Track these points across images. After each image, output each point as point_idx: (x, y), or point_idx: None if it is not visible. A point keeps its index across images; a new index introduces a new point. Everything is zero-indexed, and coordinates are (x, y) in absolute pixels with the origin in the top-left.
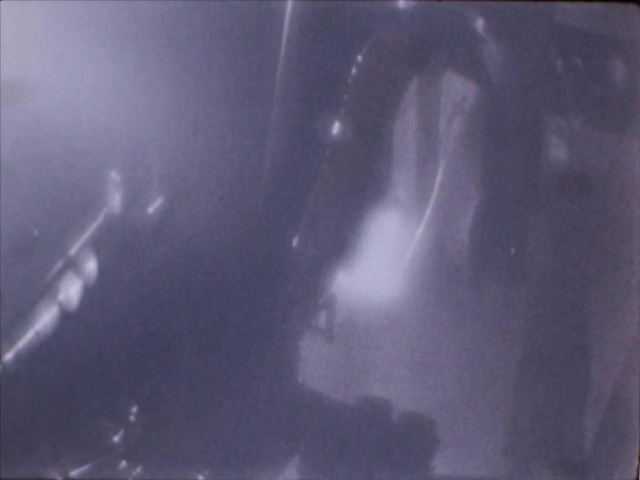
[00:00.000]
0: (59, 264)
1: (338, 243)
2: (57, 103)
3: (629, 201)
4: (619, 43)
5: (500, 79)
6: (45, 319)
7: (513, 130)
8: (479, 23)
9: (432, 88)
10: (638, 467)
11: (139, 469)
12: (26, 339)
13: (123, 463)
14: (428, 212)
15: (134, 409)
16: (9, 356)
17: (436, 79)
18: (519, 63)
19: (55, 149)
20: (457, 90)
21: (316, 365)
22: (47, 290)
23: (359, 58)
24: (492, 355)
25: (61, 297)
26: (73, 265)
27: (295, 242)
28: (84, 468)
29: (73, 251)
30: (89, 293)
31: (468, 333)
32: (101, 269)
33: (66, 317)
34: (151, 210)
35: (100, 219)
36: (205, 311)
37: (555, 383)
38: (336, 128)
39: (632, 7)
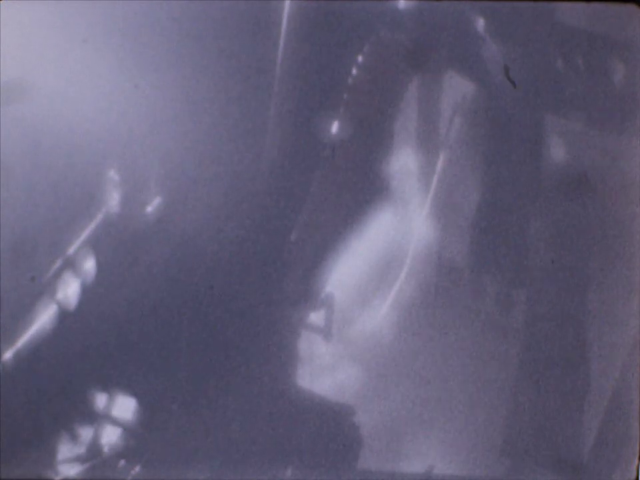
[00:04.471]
0: (58, 263)
1: (336, 242)
2: (57, 103)
3: (629, 200)
4: (619, 43)
5: (500, 79)
6: (44, 318)
7: (513, 130)
8: (479, 23)
9: (432, 88)
10: (638, 466)
11: (137, 469)
12: (25, 338)
13: (122, 463)
14: (428, 211)
15: (133, 408)
16: (7, 355)
17: (436, 78)
18: (519, 62)
19: (54, 149)
20: (457, 90)
21: (315, 364)
22: (46, 289)
23: (359, 58)
24: (492, 354)
25: (60, 295)
26: (71, 264)
27: (293, 236)
28: (83, 468)
29: (71, 250)
30: (87, 291)
31: (467, 333)
32: (99, 268)
33: (64, 315)
34: (149, 209)
35: (98, 218)
36: (204, 310)
37: (555, 382)
38: (335, 127)
39: (632, 7)
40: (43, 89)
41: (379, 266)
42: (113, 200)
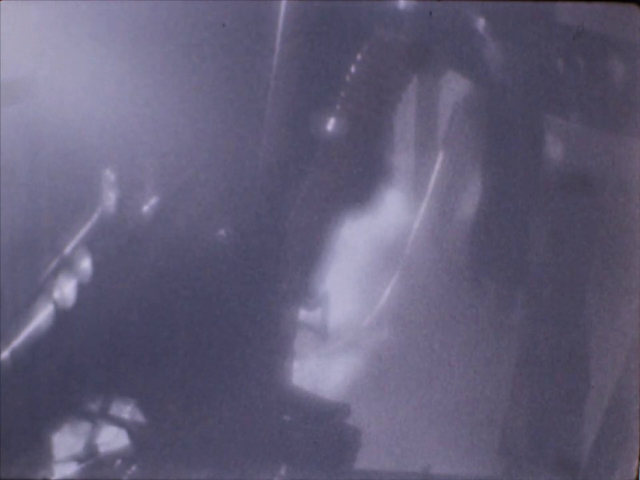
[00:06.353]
0: (54, 262)
1: (333, 241)
2: (55, 103)
3: (629, 200)
4: (619, 43)
5: (500, 78)
6: (41, 318)
7: (513, 130)
8: (479, 23)
9: (432, 88)
10: (638, 466)
11: (134, 468)
12: (21, 338)
13: (120, 463)
14: (426, 211)
15: (130, 408)
16: (4, 355)
17: (436, 78)
18: (519, 62)
19: (52, 149)
20: (458, 90)
21: (312, 364)
22: (43, 288)
23: (358, 57)
24: (491, 354)
25: (56, 295)
26: (68, 263)
27: (289, 235)
28: (81, 468)
29: (68, 249)
30: (84, 291)
31: (467, 332)
32: (96, 268)
33: (61, 315)
34: (145, 208)
35: (95, 217)
36: (200, 310)
37: (554, 382)
38: (332, 126)
39: (632, 7)
40: (42, 88)
41: (377, 265)
42: (110, 199)
